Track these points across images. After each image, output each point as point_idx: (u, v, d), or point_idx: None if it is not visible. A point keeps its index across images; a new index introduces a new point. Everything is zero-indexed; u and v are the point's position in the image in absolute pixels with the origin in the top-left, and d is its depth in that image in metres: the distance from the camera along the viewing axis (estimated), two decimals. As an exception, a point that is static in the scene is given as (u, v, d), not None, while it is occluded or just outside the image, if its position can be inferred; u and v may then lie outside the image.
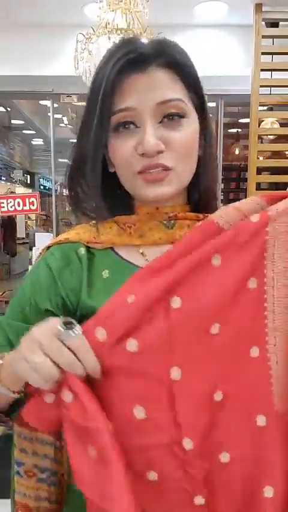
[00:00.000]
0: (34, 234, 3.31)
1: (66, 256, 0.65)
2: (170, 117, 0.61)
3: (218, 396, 0.54)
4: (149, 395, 0.53)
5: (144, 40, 0.62)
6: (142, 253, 0.66)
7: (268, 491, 0.56)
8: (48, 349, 0.49)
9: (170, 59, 0.61)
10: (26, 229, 7.32)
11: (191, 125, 0.63)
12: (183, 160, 0.62)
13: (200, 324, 0.52)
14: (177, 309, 0.52)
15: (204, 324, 0.52)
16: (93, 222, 0.68)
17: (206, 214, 0.64)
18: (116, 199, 0.67)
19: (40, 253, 0.70)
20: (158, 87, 0.60)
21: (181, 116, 0.61)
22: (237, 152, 5.90)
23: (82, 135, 0.64)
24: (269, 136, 3.85)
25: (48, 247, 0.68)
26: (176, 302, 0.52)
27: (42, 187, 8.18)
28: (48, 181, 8.12)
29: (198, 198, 0.69)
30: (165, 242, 0.65)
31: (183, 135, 0.61)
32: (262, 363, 0.54)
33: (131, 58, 0.59)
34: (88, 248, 0.66)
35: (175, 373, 0.52)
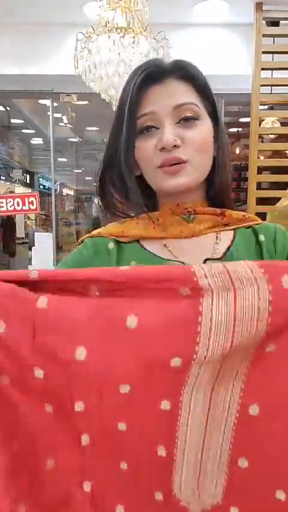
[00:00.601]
0: (34, 234, 3.29)
1: (96, 248, 0.74)
2: (186, 119, 0.70)
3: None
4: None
5: (165, 60, 0.73)
6: (165, 245, 0.74)
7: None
8: None
9: (185, 72, 0.72)
10: (25, 229, 7.31)
11: (204, 125, 0.72)
12: (197, 154, 0.70)
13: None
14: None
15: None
16: (122, 220, 0.78)
17: (222, 209, 0.75)
18: (142, 198, 0.75)
19: (75, 245, 0.79)
20: (174, 94, 0.70)
21: (195, 118, 0.71)
22: (237, 151, 5.88)
23: (113, 141, 0.74)
24: (269, 135, 3.84)
25: (82, 241, 0.77)
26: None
27: (41, 186, 8.17)
28: (47, 180, 8.12)
29: (214, 195, 0.77)
30: (186, 235, 0.74)
31: (197, 133, 0.70)
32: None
33: (151, 72, 0.70)
34: (117, 242, 0.75)
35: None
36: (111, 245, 0.74)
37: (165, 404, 0.53)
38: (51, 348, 0.50)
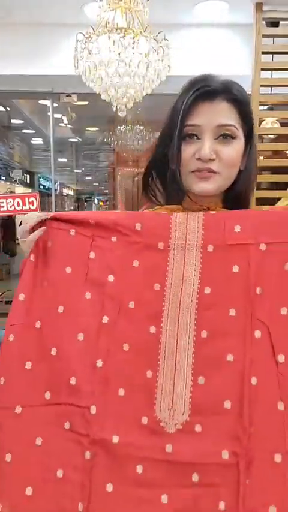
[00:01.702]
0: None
1: None
2: (224, 137, 0.82)
3: None
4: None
5: (216, 77, 0.84)
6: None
7: None
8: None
9: (233, 96, 0.82)
10: (25, 229, 7.29)
11: (238, 145, 0.84)
12: (227, 169, 0.83)
13: None
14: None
15: None
16: (154, 207, 0.95)
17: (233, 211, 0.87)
18: (170, 192, 0.92)
19: None
20: (220, 113, 0.82)
21: (232, 137, 0.83)
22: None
23: (162, 142, 0.88)
24: (269, 135, 3.83)
25: None
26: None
27: (41, 186, 8.17)
28: (47, 180, 8.11)
29: (232, 200, 0.90)
30: None
31: (231, 151, 0.83)
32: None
33: (205, 91, 0.81)
34: None
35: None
36: None
37: (152, 329, 0.79)
38: (87, 283, 0.83)
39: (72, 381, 0.78)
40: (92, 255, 0.84)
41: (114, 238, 0.84)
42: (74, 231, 0.85)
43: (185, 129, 0.82)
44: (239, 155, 0.85)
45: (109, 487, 0.74)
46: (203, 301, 0.78)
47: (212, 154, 0.81)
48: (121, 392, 0.77)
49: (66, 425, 0.78)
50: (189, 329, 0.77)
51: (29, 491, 0.76)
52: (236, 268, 0.78)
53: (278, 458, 0.72)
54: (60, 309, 0.82)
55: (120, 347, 0.79)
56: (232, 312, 0.77)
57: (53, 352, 0.80)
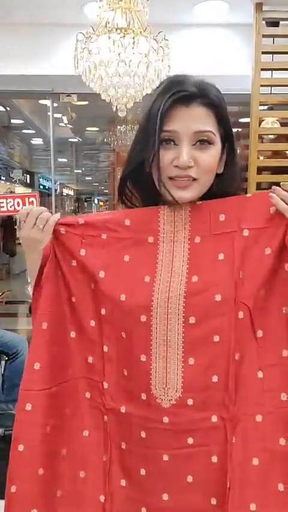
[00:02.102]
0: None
1: None
2: (202, 142, 0.83)
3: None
4: None
5: (192, 79, 0.83)
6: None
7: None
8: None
9: (209, 100, 0.82)
10: (25, 229, 7.29)
11: (215, 150, 0.85)
12: (205, 175, 0.84)
13: None
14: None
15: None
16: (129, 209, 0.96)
17: None
18: (146, 196, 0.93)
19: None
20: (197, 119, 0.82)
21: (210, 143, 0.83)
22: (237, 152, 5.87)
23: (139, 148, 0.87)
24: (269, 135, 3.84)
25: None
26: None
27: (41, 186, 8.18)
28: (47, 180, 8.11)
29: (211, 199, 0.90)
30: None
31: (208, 157, 0.83)
32: None
33: (181, 96, 0.80)
34: None
35: None
36: None
37: (143, 318, 0.85)
38: (84, 277, 0.90)
39: (90, 359, 0.91)
40: (83, 252, 0.89)
41: (104, 236, 0.89)
42: (64, 229, 0.90)
43: (162, 134, 0.82)
44: (216, 160, 0.85)
45: (123, 445, 0.89)
46: (190, 289, 0.84)
47: (191, 162, 0.82)
48: (125, 372, 0.88)
49: (87, 395, 0.92)
50: (177, 316, 0.84)
51: (63, 451, 0.91)
52: (221, 256, 0.85)
53: (259, 418, 0.85)
54: (68, 303, 0.92)
55: (120, 334, 0.87)
56: (218, 298, 0.83)
57: (72, 335, 0.92)
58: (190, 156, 0.81)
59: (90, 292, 0.89)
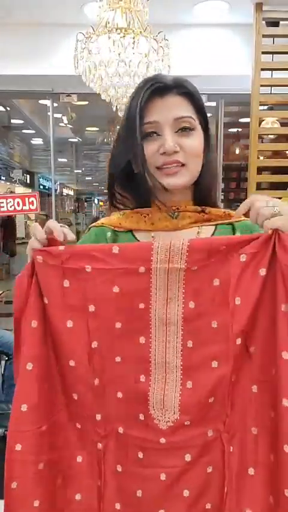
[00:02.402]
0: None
1: (98, 236, 0.93)
2: (183, 129, 0.84)
3: None
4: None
5: (167, 76, 0.86)
6: (153, 237, 0.89)
7: None
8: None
9: (184, 89, 0.84)
10: (25, 229, 7.31)
11: (198, 136, 0.86)
12: (193, 160, 0.84)
13: None
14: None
15: None
16: (122, 211, 0.93)
17: (203, 207, 0.89)
18: (138, 197, 0.91)
19: (85, 231, 0.98)
20: (175, 107, 0.83)
21: (191, 129, 0.84)
22: (237, 152, 5.89)
23: (122, 144, 0.87)
24: (269, 135, 3.84)
25: (90, 228, 0.95)
26: None
27: (41, 186, 8.17)
28: (47, 180, 8.11)
29: (199, 196, 0.90)
30: (170, 229, 0.89)
31: (192, 141, 0.84)
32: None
33: (157, 87, 0.83)
34: (115, 231, 0.92)
35: None
36: (109, 234, 0.92)
37: (141, 339, 0.83)
38: (72, 310, 0.84)
39: (75, 396, 0.87)
40: (67, 283, 0.82)
41: (88, 268, 0.81)
42: (41, 258, 0.81)
43: (143, 128, 0.83)
44: (201, 146, 0.86)
45: (119, 468, 0.87)
46: (187, 314, 0.82)
47: (176, 146, 0.82)
48: (119, 395, 0.85)
49: (78, 426, 0.89)
50: (176, 340, 0.82)
51: (59, 481, 0.89)
52: (216, 282, 0.81)
53: (254, 431, 0.85)
54: (55, 338, 0.85)
55: (113, 361, 0.84)
56: (214, 324, 0.81)
57: (59, 371, 0.86)
58: (175, 142, 0.82)
59: (78, 326, 0.83)
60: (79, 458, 0.89)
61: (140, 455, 0.85)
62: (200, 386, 0.83)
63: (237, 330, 0.81)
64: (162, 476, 0.84)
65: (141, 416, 0.85)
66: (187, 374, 0.83)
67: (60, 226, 0.81)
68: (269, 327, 0.81)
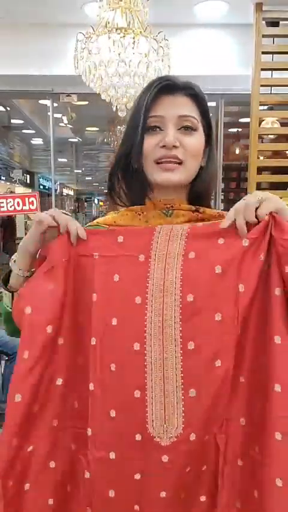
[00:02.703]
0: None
1: None
2: (186, 128, 0.85)
3: None
4: None
5: (178, 77, 0.88)
6: None
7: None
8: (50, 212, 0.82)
9: (193, 92, 0.86)
10: (25, 229, 7.31)
11: (200, 137, 0.87)
12: (191, 158, 0.85)
13: None
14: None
15: None
16: (118, 210, 0.94)
17: (197, 207, 0.89)
18: (133, 194, 0.92)
19: None
20: (181, 105, 0.85)
21: (193, 129, 0.86)
22: (237, 152, 5.89)
23: (128, 138, 0.88)
24: (269, 135, 3.84)
25: (86, 228, 0.95)
26: None
27: (41, 186, 8.17)
28: (47, 180, 8.11)
29: (194, 198, 0.91)
30: None
31: (193, 140, 0.85)
32: None
33: (166, 84, 0.85)
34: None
35: None
36: None
37: (136, 346, 0.77)
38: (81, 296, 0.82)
39: (75, 405, 0.82)
40: (74, 273, 0.82)
41: (96, 255, 0.81)
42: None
43: (148, 121, 0.84)
44: (201, 147, 0.88)
45: (111, 493, 0.78)
46: (186, 310, 0.76)
47: (176, 141, 0.83)
48: (112, 413, 0.77)
49: (73, 447, 0.83)
50: (174, 342, 0.76)
51: (50, 501, 0.82)
52: (218, 269, 0.76)
53: (242, 422, 0.79)
54: (51, 332, 0.80)
55: (108, 367, 0.78)
56: (218, 317, 0.75)
57: (58, 382, 0.81)
58: (176, 138, 0.84)
59: (83, 320, 0.81)
60: (68, 488, 0.83)
61: (137, 476, 0.78)
62: (204, 392, 0.76)
63: (241, 319, 0.75)
64: (163, 494, 0.78)
65: (138, 437, 0.77)
66: (189, 380, 0.76)
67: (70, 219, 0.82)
68: (261, 312, 0.77)
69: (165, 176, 0.84)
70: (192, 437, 0.76)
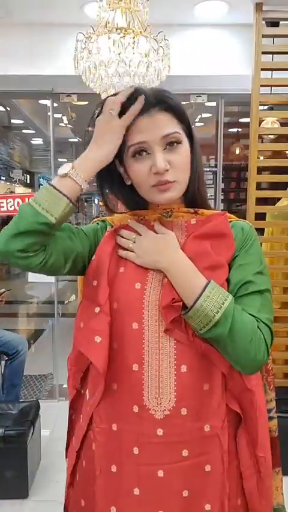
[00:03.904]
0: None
1: (101, 227, 1.01)
2: (170, 144, 0.87)
3: None
4: None
5: (147, 90, 0.88)
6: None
7: None
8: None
9: (167, 104, 0.87)
10: (25, 229, 7.28)
11: (185, 147, 0.90)
12: (182, 174, 0.90)
13: None
14: None
15: None
16: (123, 214, 1.01)
17: (196, 209, 0.95)
18: (134, 200, 0.99)
19: (91, 222, 1.06)
20: (161, 125, 0.86)
21: (178, 142, 0.88)
22: (237, 152, 5.89)
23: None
24: (269, 135, 3.84)
25: (95, 221, 1.04)
26: None
27: (41, 186, 8.16)
28: (47, 180, 8.10)
29: (191, 198, 0.96)
30: None
31: (180, 157, 0.88)
32: None
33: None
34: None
35: None
36: (109, 228, 1.00)
37: (135, 325, 0.85)
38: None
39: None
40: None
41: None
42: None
43: (132, 148, 0.87)
44: (188, 157, 0.90)
45: (113, 468, 0.87)
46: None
47: (167, 165, 0.86)
48: (114, 386, 0.87)
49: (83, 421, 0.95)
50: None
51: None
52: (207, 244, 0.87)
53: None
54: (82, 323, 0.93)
55: (111, 345, 0.87)
56: None
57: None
58: (165, 160, 0.86)
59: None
60: (83, 463, 0.95)
61: (136, 451, 0.85)
62: (195, 368, 0.84)
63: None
64: (160, 473, 0.84)
65: (136, 408, 0.85)
66: (181, 357, 0.84)
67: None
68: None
69: (166, 196, 0.89)
70: (184, 412, 0.84)
